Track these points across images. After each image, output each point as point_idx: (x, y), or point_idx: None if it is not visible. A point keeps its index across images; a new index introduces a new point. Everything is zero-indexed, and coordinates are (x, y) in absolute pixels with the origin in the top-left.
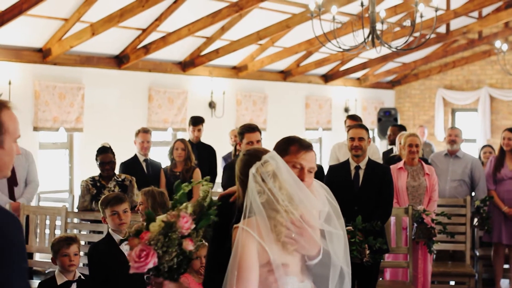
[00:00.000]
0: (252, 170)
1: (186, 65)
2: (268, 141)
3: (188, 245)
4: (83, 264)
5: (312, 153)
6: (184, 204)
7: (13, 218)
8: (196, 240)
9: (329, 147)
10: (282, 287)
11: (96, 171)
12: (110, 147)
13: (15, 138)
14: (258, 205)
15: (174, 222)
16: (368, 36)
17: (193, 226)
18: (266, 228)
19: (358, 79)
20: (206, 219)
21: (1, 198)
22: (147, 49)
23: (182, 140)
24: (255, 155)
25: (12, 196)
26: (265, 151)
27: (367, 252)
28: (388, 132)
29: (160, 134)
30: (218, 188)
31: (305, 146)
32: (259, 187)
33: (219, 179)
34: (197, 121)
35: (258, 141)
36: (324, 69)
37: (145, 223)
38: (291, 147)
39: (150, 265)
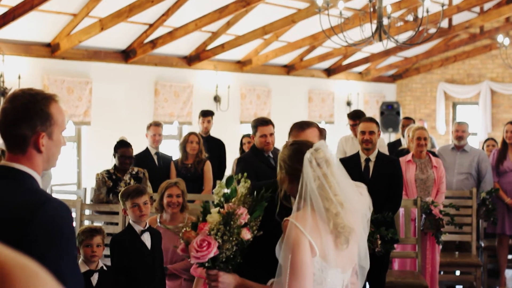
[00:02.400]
0: (307, 155)
1: (191, 60)
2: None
3: (246, 234)
4: (104, 256)
5: (308, 130)
6: (236, 198)
7: (62, 205)
8: (253, 229)
9: (331, 141)
10: (323, 278)
11: (104, 164)
12: (129, 142)
13: (63, 129)
14: (313, 191)
15: (233, 211)
16: (376, 31)
17: (248, 216)
18: (321, 218)
19: (360, 73)
20: (259, 209)
21: None
22: (154, 43)
23: (196, 134)
24: (304, 143)
25: None
26: (310, 142)
27: (379, 242)
28: (401, 123)
29: (166, 127)
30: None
31: (299, 125)
32: (313, 173)
33: (227, 172)
34: (207, 113)
35: (271, 134)
36: (327, 63)
37: (199, 218)
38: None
39: (211, 254)
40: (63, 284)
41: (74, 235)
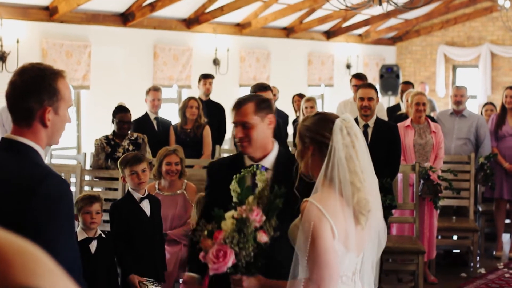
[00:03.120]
0: (338, 122)
1: (190, 22)
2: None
3: (262, 237)
4: (103, 221)
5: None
6: (250, 198)
7: (62, 181)
8: (269, 230)
9: (331, 103)
10: (341, 263)
11: (103, 128)
12: (127, 107)
13: (69, 106)
14: (341, 159)
15: (246, 217)
16: None
17: (264, 217)
18: (345, 193)
19: (360, 35)
20: (274, 209)
21: None
22: (152, 6)
23: (195, 98)
24: (330, 113)
25: None
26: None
27: None
28: (400, 89)
29: (165, 91)
30: (226, 145)
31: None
32: (343, 140)
33: (227, 136)
34: (208, 75)
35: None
36: (326, 26)
37: (215, 224)
38: None
39: (229, 264)
40: (56, 258)
41: (73, 211)
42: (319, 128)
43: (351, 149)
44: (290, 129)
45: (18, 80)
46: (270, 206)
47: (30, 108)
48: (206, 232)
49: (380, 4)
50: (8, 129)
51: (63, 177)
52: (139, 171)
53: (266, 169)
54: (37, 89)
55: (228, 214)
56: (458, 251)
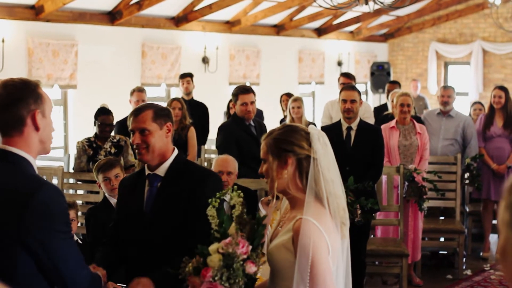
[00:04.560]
0: (314, 132)
1: (179, 21)
2: (262, 95)
3: (251, 268)
4: (81, 224)
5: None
6: (233, 227)
7: (56, 190)
8: (256, 260)
9: (322, 101)
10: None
11: (90, 128)
12: (109, 109)
13: (51, 111)
14: (324, 170)
15: (233, 251)
16: None
17: (250, 247)
18: (331, 206)
19: (351, 32)
20: (258, 237)
21: None
22: (140, 5)
23: (178, 99)
24: (296, 124)
25: None
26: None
27: (359, 212)
28: (386, 88)
29: (154, 89)
30: (211, 145)
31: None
32: (323, 150)
33: (211, 135)
34: (185, 74)
35: (252, 103)
36: (317, 23)
37: (200, 259)
38: None
39: None
40: (65, 264)
41: (69, 218)
42: (295, 139)
43: (329, 159)
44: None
45: (2, 93)
46: (254, 235)
47: (19, 115)
48: (191, 269)
49: (367, 3)
50: None
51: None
52: (111, 177)
53: (161, 178)
54: (23, 96)
55: (213, 248)
56: (445, 252)
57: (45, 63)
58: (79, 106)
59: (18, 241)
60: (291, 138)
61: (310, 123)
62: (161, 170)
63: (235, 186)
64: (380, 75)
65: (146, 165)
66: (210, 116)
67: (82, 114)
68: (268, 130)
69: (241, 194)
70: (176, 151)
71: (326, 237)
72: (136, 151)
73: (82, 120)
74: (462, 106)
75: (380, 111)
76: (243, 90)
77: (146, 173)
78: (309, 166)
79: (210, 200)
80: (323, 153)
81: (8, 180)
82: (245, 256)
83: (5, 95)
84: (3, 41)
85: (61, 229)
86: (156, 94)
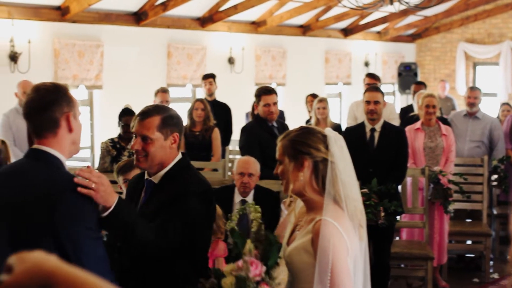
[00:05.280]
0: (331, 134)
1: (204, 21)
2: (289, 96)
3: None
4: None
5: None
6: (247, 247)
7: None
8: (271, 282)
9: (349, 101)
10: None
11: (116, 128)
12: (133, 110)
13: (79, 114)
14: (341, 173)
15: (246, 276)
16: None
17: (264, 268)
18: (348, 209)
19: (379, 32)
20: (273, 258)
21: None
22: (165, 5)
23: (202, 100)
24: (312, 127)
25: None
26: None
27: (382, 214)
28: (412, 89)
29: (179, 90)
30: (236, 146)
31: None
32: (340, 153)
33: (234, 136)
34: (207, 75)
35: (275, 103)
36: (344, 23)
37: (215, 280)
38: None
39: None
40: (88, 262)
41: (98, 216)
42: (312, 142)
43: (346, 162)
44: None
45: (35, 96)
46: (269, 253)
47: (53, 117)
48: None
49: (392, 3)
50: (15, 131)
51: None
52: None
53: (155, 184)
54: (56, 98)
55: (227, 270)
56: (472, 255)
57: (71, 64)
58: (105, 106)
59: (49, 235)
60: (308, 140)
61: (335, 124)
62: (157, 177)
63: (253, 202)
64: (408, 76)
65: None
66: (235, 117)
67: (108, 115)
68: None
69: (259, 209)
70: (178, 157)
71: (345, 238)
72: (134, 156)
73: (108, 120)
74: (490, 107)
75: (406, 112)
76: (265, 91)
77: (145, 177)
78: (325, 169)
79: (229, 215)
80: (340, 156)
81: (42, 177)
82: (258, 279)
83: (38, 98)
84: (29, 42)
85: (90, 226)
86: (182, 95)
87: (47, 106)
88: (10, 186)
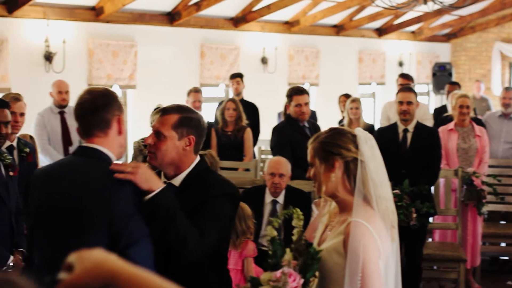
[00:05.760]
0: (361, 134)
1: (238, 21)
2: (322, 96)
3: None
4: None
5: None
6: (287, 258)
7: (135, 185)
8: None
9: (383, 102)
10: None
11: (149, 127)
12: None
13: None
14: (372, 173)
15: (283, 286)
16: None
17: (302, 281)
18: (379, 210)
19: (413, 32)
20: (312, 271)
21: (57, 157)
22: (198, 5)
23: (233, 100)
24: (342, 127)
25: (67, 155)
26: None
27: (414, 215)
28: (446, 89)
29: (212, 90)
30: (261, 145)
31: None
32: (370, 153)
33: (262, 136)
34: (234, 74)
35: (307, 104)
36: (378, 23)
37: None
38: None
39: None
40: (138, 255)
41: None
42: (342, 142)
43: (377, 162)
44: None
45: (88, 98)
46: (308, 267)
47: (106, 118)
48: None
49: (425, 3)
50: (50, 131)
51: None
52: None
53: (176, 188)
54: (108, 101)
55: (264, 279)
56: (506, 258)
57: (105, 63)
58: (138, 106)
59: (104, 227)
60: (338, 141)
61: (368, 124)
62: (177, 181)
63: (297, 209)
64: (442, 76)
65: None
66: (268, 117)
67: (141, 114)
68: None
69: (302, 217)
70: (197, 160)
71: (377, 239)
72: (148, 151)
73: (141, 120)
74: None
75: (439, 112)
76: (297, 91)
77: (162, 180)
78: (356, 169)
79: (271, 218)
80: (371, 156)
81: (97, 172)
82: None
83: (92, 99)
84: (64, 42)
85: (142, 221)
86: (215, 95)
87: (100, 107)
88: (66, 182)
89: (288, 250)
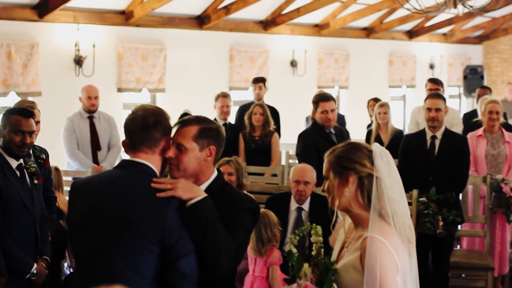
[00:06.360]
0: (377, 149)
1: (267, 24)
2: (351, 99)
3: None
4: None
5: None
6: (303, 271)
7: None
8: None
9: (413, 105)
10: None
11: None
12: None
13: None
14: (388, 189)
15: None
16: None
17: None
18: (396, 226)
19: (444, 34)
20: (328, 283)
21: (86, 162)
22: (228, 9)
23: (261, 105)
24: (359, 142)
25: (95, 160)
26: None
27: (441, 223)
28: (476, 93)
29: (241, 93)
30: (290, 150)
31: None
32: (385, 168)
33: (290, 140)
34: (257, 79)
35: (333, 110)
36: (408, 25)
37: None
38: None
39: None
40: (185, 268)
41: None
42: (357, 157)
43: (393, 178)
44: (358, 131)
45: (141, 114)
46: (324, 279)
47: (156, 136)
48: None
49: (455, 7)
50: (79, 135)
51: None
52: None
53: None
54: (160, 121)
55: None
56: None
57: (134, 67)
58: (168, 109)
59: (157, 239)
60: (353, 155)
61: (396, 129)
62: None
63: (314, 224)
64: (473, 79)
65: None
66: (296, 120)
67: (171, 117)
68: (350, 136)
69: (320, 233)
70: (216, 173)
71: (394, 254)
72: (168, 164)
73: (172, 123)
74: None
75: (469, 117)
76: (323, 98)
77: None
78: (370, 184)
79: (290, 236)
80: (387, 172)
81: (146, 186)
82: None
83: (144, 116)
84: (94, 46)
85: (187, 233)
86: (244, 98)
87: (151, 125)
88: (115, 194)
89: (306, 265)
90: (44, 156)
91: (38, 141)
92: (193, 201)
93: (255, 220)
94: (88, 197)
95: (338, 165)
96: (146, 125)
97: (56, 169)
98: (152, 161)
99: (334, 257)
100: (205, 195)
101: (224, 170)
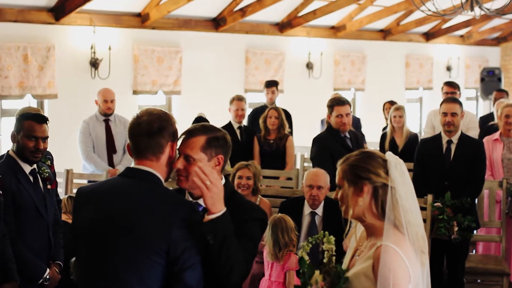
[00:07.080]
0: (391, 159)
1: (283, 26)
2: (367, 101)
3: None
4: None
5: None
6: (314, 278)
7: (191, 204)
8: None
9: (430, 107)
10: None
11: None
12: (206, 119)
13: None
14: (402, 199)
15: None
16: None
17: None
18: (409, 235)
19: (462, 36)
20: None
21: (101, 165)
22: (243, 11)
23: (276, 108)
24: (373, 151)
25: (111, 163)
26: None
27: (456, 229)
28: (493, 96)
29: (257, 96)
30: (305, 153)
31: None
32: (400, 178)
33: (305, 143)
34: (270, 83)
35: (348, 114)
36: (425, 27)
37: None
38: None
39: None
40: (193, 273)
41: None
42: (372, 167)
43: (407, 187)
44: (373, 134)
45: (146, 119)
46: (335, 286)
47: (161, 143)
48: None
49: (472, 9)
50: (94, 138)
51: None
52: None
53: (204, 209)
54: (166, 127)
55: None
56: None
57: (150, 69)
58: (184, 111)
59: (163, 251)
60: (368, 165)
61: (412, 133)
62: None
63: (327, 232)
64: (491, 81)
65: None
66: (312, 122)
67: (186, 120)
68: (366, 139)
69: (333, 241)
70: (223, 182)
71: (407, 263)
72: (177, 174)
73: (186, 125)
74: None
75: (485, 121)
76: (338, 102)
77: (188, 199)
78: (385, 194)
79: (302, 244)
80: (401, 182)
81: (152, 194)
82: None
83: (149, 121)
84: (110, 48)
85: (197, 243)
86: (260, 100)
87: (157, 130)
88: (121, 202)
89: (317, 272)
90: (49, 162)
91: (54, 144)
92: (214, 216)
93: (263, 231)
94: (93, 206)
95: (353, 174)
96: (151, 131)
97: (70, 197)
98: (157, 168)
99: (345, 265)
100: (225, 209)
101: (242, 174)
